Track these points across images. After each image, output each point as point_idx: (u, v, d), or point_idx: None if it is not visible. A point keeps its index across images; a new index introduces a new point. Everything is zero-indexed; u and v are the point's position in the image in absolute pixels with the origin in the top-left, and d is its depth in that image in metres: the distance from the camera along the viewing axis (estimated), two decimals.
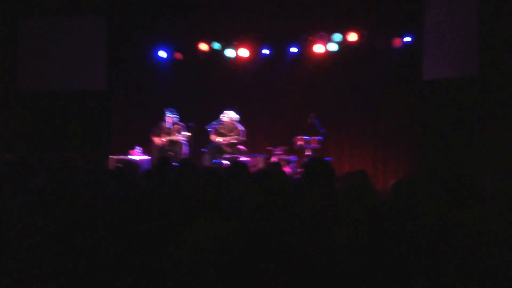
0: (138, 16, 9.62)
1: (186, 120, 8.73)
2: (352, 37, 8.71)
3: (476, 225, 2.42)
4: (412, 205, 2.77)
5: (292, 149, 8.65)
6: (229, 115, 8.62)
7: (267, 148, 8.73)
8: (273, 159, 8.38)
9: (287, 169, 7.88)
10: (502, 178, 3.45)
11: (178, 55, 9.61)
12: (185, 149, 8.65)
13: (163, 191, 4.10)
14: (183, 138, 8.59)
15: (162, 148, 8.61)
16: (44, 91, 9.94)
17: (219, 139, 8.54)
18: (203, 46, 9.35)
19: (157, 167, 4.76)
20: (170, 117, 8.62)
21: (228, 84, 9.65)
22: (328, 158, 8.40)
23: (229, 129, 8.63)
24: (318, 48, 9.00)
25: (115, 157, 8.53)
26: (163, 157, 5.77)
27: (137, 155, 8.58)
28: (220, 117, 8.64)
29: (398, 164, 8.84)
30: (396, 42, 8.58)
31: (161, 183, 4.31)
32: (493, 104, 7.80)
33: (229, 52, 9.36)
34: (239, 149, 8.62)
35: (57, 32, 9.85)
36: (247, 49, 9.29)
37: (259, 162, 8.59)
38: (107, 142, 9.74)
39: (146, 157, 8.63)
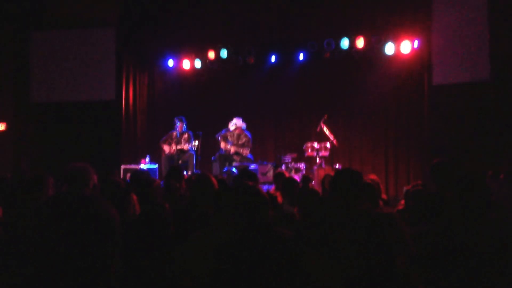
0: (146, 26, 9.69)
1: (195, 129, 8.75)
2: (360, 42, 8.66)
3: (489, 230, 2.39)
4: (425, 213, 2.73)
5: (302, 157, 8.61)
6: (237, 123, 8.63)
7: (277, 155, 8.70)
8: (283, 167, 8.34)
9: (296, 177, 7.82)
10: None
11: (187, 64, 9.65)
12: (194, 158, 8.66)
13: (173, 200, 4.10)
14: (191, 147, 8.59)
15: (171, 156, 8.63)
16: (55, 102, 10.07)
17: (228, 147, 8.54)
18: (211, 54, 9.39)
19: (168, 175, 4.77)
20: (180, 126, 8.64)
21: (237, 92, 9.66)
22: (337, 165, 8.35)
23: (238, 136, 8.63)
24: (326, 55, 8.97)
25: (125, 166, 8.59)
26: (174, 166, 5.74)
27: (145, 164, 8.61)
28: (229, 125, 8.65)
29: (409, 170, 8.75)
30: (405, 47, 8.51)
31: (171, 192, 4.30)
32: (505, 108, 7.69)
33: (238, 60, 9.37)
34: (248, 157, 8.61)
35: (68, 44, 9.98)
36: (255, 56, 9.30)
37: (269, 170, 8.56)
38: (117, 151, 9.79)
39: (154, 165, 8.65)
